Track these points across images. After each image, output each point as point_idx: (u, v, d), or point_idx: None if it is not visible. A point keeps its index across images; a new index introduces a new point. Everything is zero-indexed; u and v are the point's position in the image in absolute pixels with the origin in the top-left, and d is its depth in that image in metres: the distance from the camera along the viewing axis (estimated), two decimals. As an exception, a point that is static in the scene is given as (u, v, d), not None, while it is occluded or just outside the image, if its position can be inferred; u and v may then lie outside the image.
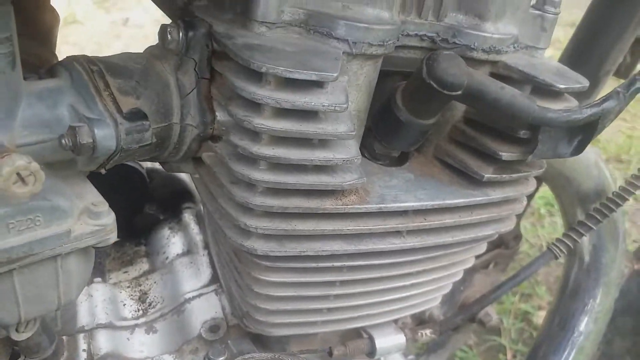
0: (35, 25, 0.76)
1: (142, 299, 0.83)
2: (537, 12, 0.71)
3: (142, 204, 1.01)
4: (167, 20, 0.61)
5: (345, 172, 0.59)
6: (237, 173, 0.56)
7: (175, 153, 0.61)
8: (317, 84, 0.54)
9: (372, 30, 0.58)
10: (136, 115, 0.54)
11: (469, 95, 0.61)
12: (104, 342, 0.75)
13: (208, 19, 0.59)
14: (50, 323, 0.73)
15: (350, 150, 0.58)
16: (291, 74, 0.51)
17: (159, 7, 0.74)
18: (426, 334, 0.81)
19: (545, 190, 2.20)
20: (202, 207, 1.00)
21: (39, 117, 0.52)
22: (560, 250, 0.94)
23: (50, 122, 0.53)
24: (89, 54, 0.59)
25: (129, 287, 0.85)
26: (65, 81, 0.55)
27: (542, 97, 0.67)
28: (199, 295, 0.82)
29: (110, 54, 0.61)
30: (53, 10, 0.79)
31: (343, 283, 0.67)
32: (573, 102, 0.72)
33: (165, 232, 0.95)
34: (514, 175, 0.71)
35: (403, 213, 0.64)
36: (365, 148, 0.70)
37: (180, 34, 0.57)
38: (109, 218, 0.53)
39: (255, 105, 0.54)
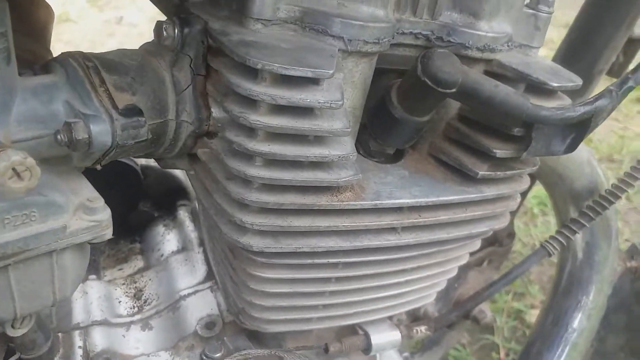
0: (30, 21, 0.76)
1: (137, 296, 0.83)
2: (530, 11, 0.72)
3: (137, 201, 1.01)
4: (162, 18, 0.61)
5: (341, 169, 0.59)
6: (232, 169, 0.56)
7: (171, 149, 0.61)
8: (313, 81, 0.55)
9: (368, 28, 0.58)
10: (132, 111, 0.54)
11: (464, 92, 0.61)
12: (99, 339, 0.75)
13: (204, 16, 0.59)
14: (45, 320, 0.73)
15: (345, 147, 0.58)
16: (287, 71, 0.52)
17: (154, 4, 0.74)
18: (421, 330, 0.81)
19: (538, 189, 2.21)
20: (197, 204, 1.01)
21: (34, 112, 0.52)
22: (554, 247, 0.95)
23: (46, 118, 0.53)
24: (84, 52, 0.59)
25: (124, 284, 0.85)
26: (60, 77, 0.55)
27: (535, 95, 0.68)
28: (195, 292, 0.82)
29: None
30: (48, 6, 0.79)
31: (338, 279, 0.67)
32: (566, 100, 0.72)
33: (160, 229, 0.95)
34: (508, 173, 0.71)
35: (398, 209, 0.64)
36: (360, 145, 0.70)
37: (176, 31, 0.57)
38: (105, 214, 0.53)
39: (251, 102, 0.54)
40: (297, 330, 0.73)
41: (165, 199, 1.02)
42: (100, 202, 0.53)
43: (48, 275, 0.52)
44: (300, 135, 0.56)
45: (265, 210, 0.58)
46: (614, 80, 0.69)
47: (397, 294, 0.75)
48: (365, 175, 0.64)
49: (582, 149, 1.06)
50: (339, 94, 0.56)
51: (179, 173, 1.06)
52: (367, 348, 0.78)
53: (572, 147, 0.69)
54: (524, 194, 1.05)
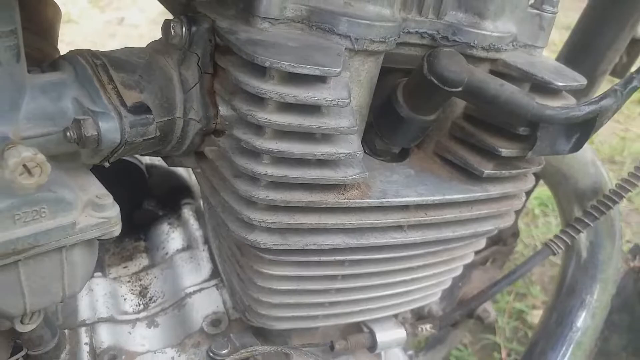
0: (37, 19, 0.76)
1: (142, 293, 0.83)
2: (535, 11, 0.72)
3: (141, 199, 1.01)
4: (165, 19, 0.62)
5: (348, 167, 0.59)
6: (240, 167, 0.56)
7: (178, 147, 0.62)
8: (320, 79, 0.55)
9: (374, 27, 0.58)
10: (140, 108, 0.54)
11: (469, 91, 0.61)
12: (105, 335, 0.76)
13: (211, 14, 0.60)
14: (52, 316, 0.73)
15: (352, 145, 0.58)
16: (295, 69, 0.52)
17: (161, 3, 0.74)
18: (426, 329, 0.81)
19: (539, 190, 2.21)
20: (201, 203, 1.01)
21: (43, 109, 0.53)
22: (558, 246, 0.95)
23: (54, 115, 0.53)
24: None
25: (129, 281, 0.85)
26: (69, 75, 0.55)
27: (540, 95, 0.68)
28: (200, 290, 0.82)
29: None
30: (55, 4, 0.80)
31: (345, 277, 0.67)
32: (571, 100, 0.73)
33: (165, 227, 0.96)
34: (513, 172, 0.72)
35: (404, 208, 0.64)
36: (366, 144, 0.70)
37: (184, 29, 0.58)
38: (114, 210, 0.54)
39: (259, 100, 0.54)
40: (303, 328, 0.73)
41: (170, 198, 1.02)
42: (109, 198, 0.54)
43: (58, 271, 0.53)
44: (308, 133, 0.56)
45: (272, 207, 0.58)
46: (617, 81, 0.69)
47: (402, 292, 0.75)
48: (371, 174, 0.64)
49: (587, 149, 1.06)
50: (346, 92, 0.56)
51: (183, 172, 1.07)
52: (372, 346, 0.78)
53: (577, 147, 0.69)
54: (528, 194, 1.05)
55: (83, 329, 0.75)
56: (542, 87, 0.68)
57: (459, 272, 0.82)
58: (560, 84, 0.68)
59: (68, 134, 0.51)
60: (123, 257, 0.92)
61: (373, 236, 0.64)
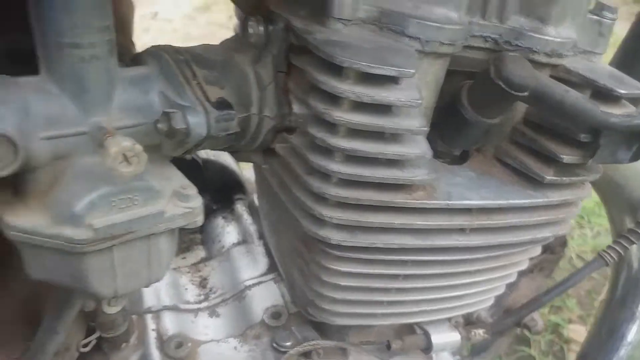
0: (115, 15, 0.81)
1: (202, 284, 0.87)
2: (595, 17, 0.72)
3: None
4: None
5: (416, 167, 0.61)
6: (314, 164, 0.59)
7: (251, 143, 0.65)
8: (393, 80, 0.57)
9: (444, 29, 0.60)
10: (223, 104, 0.57)
11: (535, 96, 0.62)
12: (170, 323, 0.79)
13: (283, 13, 0.62)
14: (122, 303, 0.77)
15: (421, 146, 0.60)
16: (372, 69, 0.54)
17: (232, 1, 0.77)
18: (479, 333, 0.82)
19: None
20: (254, 199, 1.04)
21: (133, 102, 0.56)
22: (611, 257, 0.94)
23: (143, 107, 0.56)
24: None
25: (188, 272, 0.89)
26: (153, 69, 0.58)
27: (600, 102, 0.68)
28: (259, 283, 0.85)
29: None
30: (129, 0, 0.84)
31: (406, 277, 0.69)
32: (630, 108, 0.72)
33: (220, 221, 0.99)
34: (573, 179, 0.72)
35: (467, 211, 0.65)
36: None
37: (262, 28, 0.60)
38: (198, 201, 0.57)
39: (334, 99, 0.56)
40: (360, 325, 0.75)
41: (223, 193, 1.06)
42: (193, 189, 0.57)
43: (145, 258, 0.56)
44: (378, 132, 0.58)
45: (343, 204, 0.60)
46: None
47: (459, 295, 0.76)
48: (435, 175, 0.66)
49: (641, 159, 1.04)
50: (417, 93, 0.58)
51: (235, 168, 1.10)
52: (427, 347, 0.79)
53: (637, 156, 0.69)
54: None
55: (149, 316, 0.79)
56: (603, 94, 0.68)
57: (513, 278, 0.82)
58: (622, 91, 0.68)
59: (159, 126, 0.54)
60: (181, 248, 0.95)
61: (438, 238, 0.65)
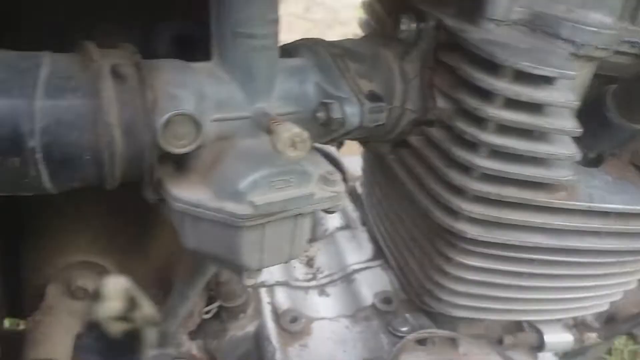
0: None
1: (309, 264, 0.90)
2: None
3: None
4: (398, 14, 0.64)
5: (561, 168, 0.60)
6: (458, 157, 0.59)
7: (389, 134, 0.66)
8: (549, 80, 0.56)
9: (600, 34, 0.59)
10: (375, 96, 0.59)
11: None
12: (283, 298, 0.83)
13: (433, 12, 0.63)
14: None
15: (570, 146, 0.59)
16: (533, 70, 0.54)
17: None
18: (592, 337, 0.80)
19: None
20: (356, 186, 1.06)
21: (291, 91, 0.59)
22: None
23: (299, 97, 0.59)
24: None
25: (297, 252, 0.92)
26: (309, 60, 0.61)
27: None
28: (366, 268, 0.87)
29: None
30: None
31: (530, 275, 0.68)
32: None
33: (323, 205, 1.01)
34: None
35: (606, 214, 0.64)
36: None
37: (414, 25, 0.61)
38: (341, 186, 0.59)
39: (488, 95, 0.57)
40: (471, 318, 0.75)
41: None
42: (338, 175, 0.59)
43: (290, 235, 0.59)
44: (527, 130, 0.58)
45: (483, 199, 0.61)
46: None
47: (579, 297, 0.75)
48: (573, 177, 0.64)
49: None
50: (572, 94, 0.57)
51: (337, 154, 1.12)
52: (539, 346, 0.78)
53: None
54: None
55: (264, 290, 0.83)
56: None
57: (633, 286, 0.79)
58: None
59: (318, 115, 0.56)
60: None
61: (572, 239, 0.64)
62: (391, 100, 0.63)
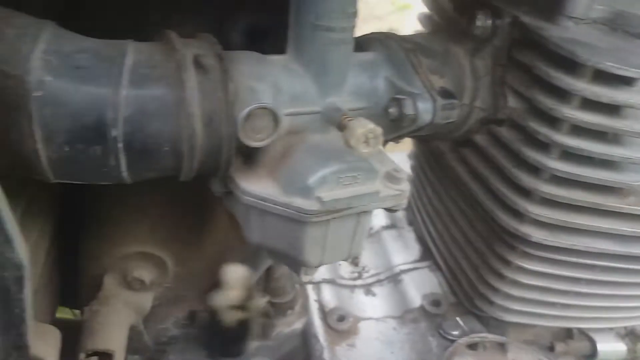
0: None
1: (354, 262, 0.89)
2: None
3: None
4: (473, 10, 0.62)
5: (632, 172, 0.59)
6: (527, 158, 0.58)
7: (455, 132, 0.65)
8: (629, 82, 0.54)
9: (683, 34, 0.57)
10: (447, 93, 0.58)
11: None
12: (329, 296, 0.82)
13: (508, 8, 0.61)
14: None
15: (645, 150, 0.57)
16: (617, 70, 0.52)
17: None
18: (646, 347, 0.78)
19: None
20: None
21: (361, 86, 0.57)
22: None
23: (369, 92, 0.57)
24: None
25: (341, 250, 0.91)
26: (380, 55, 0.59)
27: None
28: (414, 269, 0.86)
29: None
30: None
31: (589, 282, 0.67)
32: None
33: (366, 203, 1.00)
34: None
35: (676, 222, 0.62)
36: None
37: (489, 21, 0.60)
38: (406, 185, 0.57)
39: (564, 95, 0.55)
40: (521, 323, 0.74)
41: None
42: (403, 173, 0.58)
43: (352, 233, 0.58)
44: (601, 132, 0.56)
45: (549, 202, 0.59)
46: None
47: (637, 306, 0.73)
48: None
49: None
50: (653, 96, 0.56)
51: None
52: (592, 355, 0.77)
53: None
54: None
55: (310, 287, 0.83)
56: None
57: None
58: None
59: (390, 110, 0.55)
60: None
61: (638, 246, 0.62)
62: (460, 98, 0.62)
